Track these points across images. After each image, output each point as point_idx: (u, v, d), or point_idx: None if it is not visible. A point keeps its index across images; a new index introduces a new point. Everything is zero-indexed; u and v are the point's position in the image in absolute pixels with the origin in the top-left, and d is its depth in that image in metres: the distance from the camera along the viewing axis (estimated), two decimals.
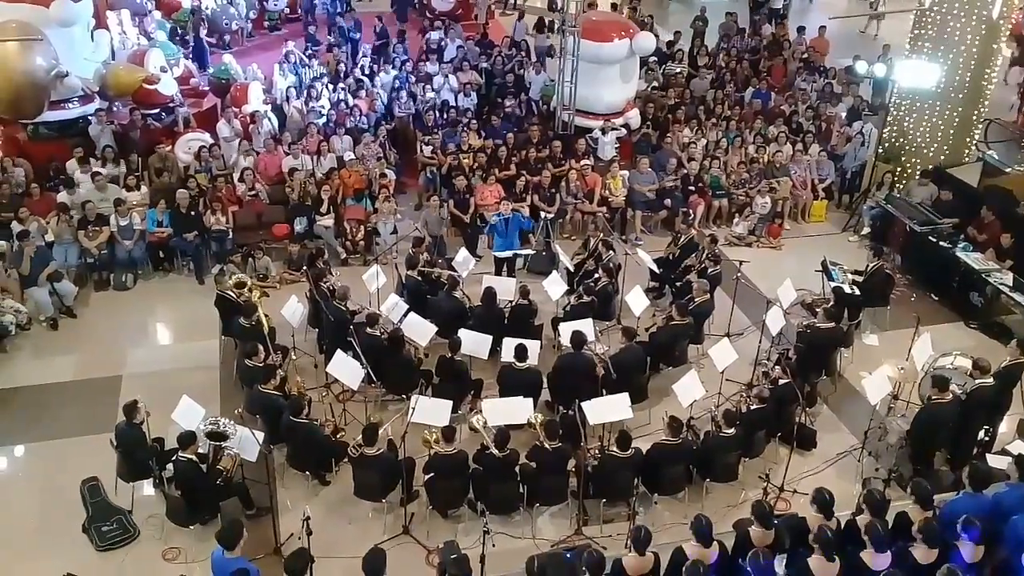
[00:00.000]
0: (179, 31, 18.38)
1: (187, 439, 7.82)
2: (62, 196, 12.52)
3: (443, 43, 18.46)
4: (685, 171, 14.09)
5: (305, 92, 15.73)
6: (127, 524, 8.04)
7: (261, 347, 9.27)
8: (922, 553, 6.54)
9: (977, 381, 8.79)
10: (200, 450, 7.96)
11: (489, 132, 14.95)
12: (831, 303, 10.48)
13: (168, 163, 13.51)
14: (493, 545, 7.07)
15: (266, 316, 9.99)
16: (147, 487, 8.41)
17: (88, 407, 9.56)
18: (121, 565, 7.72)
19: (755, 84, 17.48)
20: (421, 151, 14.56)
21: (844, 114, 15.87)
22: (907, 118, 14.29)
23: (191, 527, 7.99)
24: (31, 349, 10.70)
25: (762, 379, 9.44)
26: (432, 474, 8.15)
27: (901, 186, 13.98)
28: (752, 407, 8.82)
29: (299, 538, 7.05)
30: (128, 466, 8.16)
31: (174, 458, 7.90)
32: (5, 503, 8.37)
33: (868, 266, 11.38)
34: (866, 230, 13.76)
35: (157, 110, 14.80)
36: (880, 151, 14.77)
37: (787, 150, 14.60)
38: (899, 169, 14.29)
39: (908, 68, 13.74)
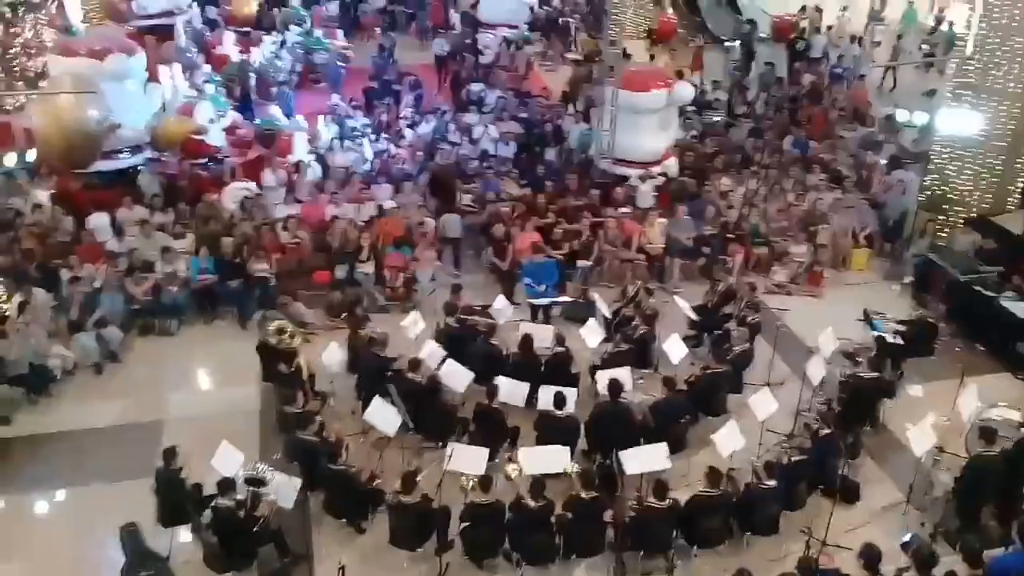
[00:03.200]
0: (228, 84, 18.90)
1: (226, 485, 7.89)
2: (111, 243, 12.86)
3: (483, 93, 18.77)
4: (724, 219, 14.07)
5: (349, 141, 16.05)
6: (165, 571, 8.06)
7: (300, 393, 9.36)
8: None
9: None
10: (238, 496, 8.02)
11: (529, 181, 15.09)
12: (873, 352, 10.32)
13: (215, 212, 13.83)
14: None
15: (307, 362, 10.09)
16: (185, 533, 8.47)
17: (130, 452, 9.68)
18: None
19: (794, 132, 17.47)
20: (460, 200, 14.72)
21: (884, 162, 15.77)
22: (948, 166, 14.15)
23: (227, 574, 8.01)
24: (75, 394, 10.90)
25: (804, 429, 9.28)
26: (468, 523, 8.11)
27: (944, 235, 13.80)
28: (793, 459, 8.68)
29: None
30: (167, 511, 8.24)
31: (212, 504, 7.96)
32: (45, 547, 8.48)
33: (911, 315, 11.21)
34: (909, 279, 13.57)
35: (205, 160, 15.18)
36: (922, 199, 14.62)
37: (828, 197, 14.52)
38: (941, 217, 14.12)
39: (950, 116, 13.65)
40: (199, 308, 12.62)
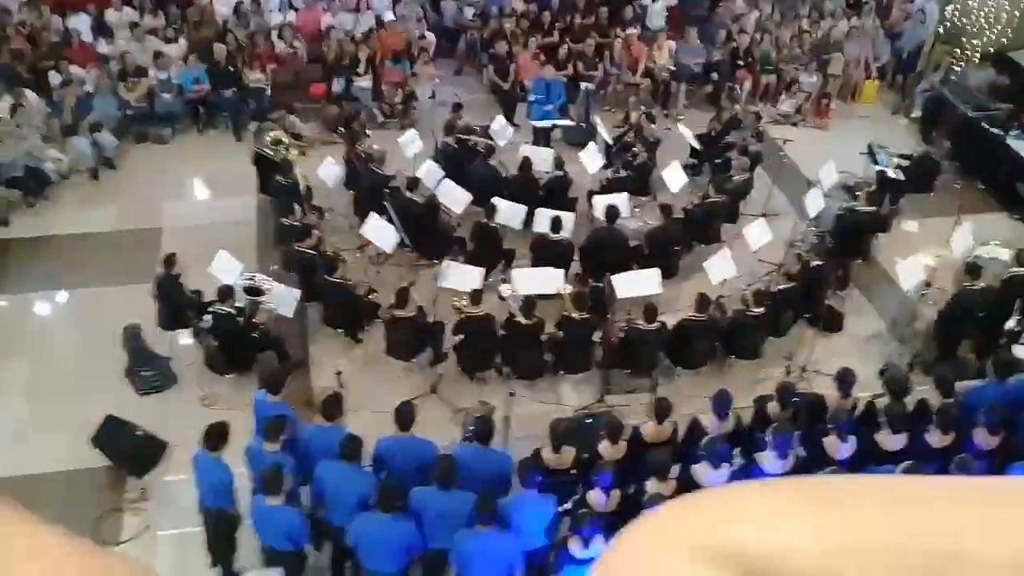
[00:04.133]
0: None
1: (225, 292, 8.04)
2: (101, 46, 12.46)
3: None
4: (734, 44, 13.61)
5: None
6: (167, 370, 8.37)
7: (297, 206, 9.37)
8: (937, 438, 6.63)
9: (1012, 270, 8.68)
10: (238, 304, 8.20)
11: None
12: (873, 187, 10.28)
13: (206, 16, 13.32)
14: (511, 393, 7.25)
15: (303, 176, 10.04)
16: (185, 337, 8.71)
17: (128, 257, 9.79)
18: (161, 409, 8.07)
19: None
20: (463, 13, 14.17)
21: None
22: None
23: (228, 376, 8.32)
24: (72, 198, 10.91)
25: (795, 260, 9.39)
26: (461, 336, 8.33)
27: (958, 69, 13.41)
28: (780, 286, 8.81)
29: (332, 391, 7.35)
30: (167, 315, 8.43)
31: (212, 309, 8.14)
32: (48, 346, 8.74)
33: (916, 151, 11.08)
34: (917, 113, 13.31)
35: None
36: (940, 31, 14.09)
37: (843, 25, 14.00)
38: (958, 51, 13.67)
39: None
40: (193, 117, 12.41)
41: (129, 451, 7.35)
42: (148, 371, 8.28)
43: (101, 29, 12.85)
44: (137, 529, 6.94)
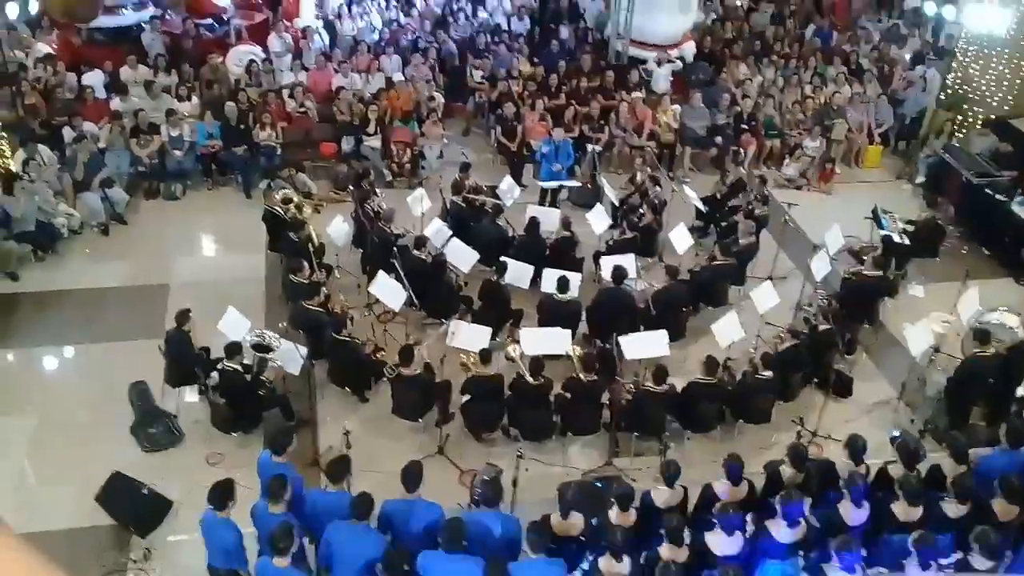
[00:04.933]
0: None
1: (233, 349, 8.02)
2: (115, 103, 12.66)
3: None
4: (738, 108, 13.81)
5: (358, 8, 15.57)
6: (173, 428, 8.29)
7: (306, 264, 9.40)
8: (953, 508, 6.54)
9: (1022, 337, 8.66)
10: (245, 361, 8.17)
11: (541, 59, 14.72)
12: (879, 251, 10.32)
13: (219, 75, 13.54)
14: (527, 469, 7.21)
15: (316, 234, 10.11)
16: (192, 394, 8.67)
17: (136, 313, 9.82)
18: (166, 466, 7.99)
19: (817, 21, 16.95)
20: (471, 75, 14.41)
21: (908, 56, 15.37)
22: (973, 64, 13.79)
23: (234, 434, 8.26)
24: (83, 253, 10.97)
25: (802, 324, 9.39)
26: (468, 396, 8.29)
27: (961, 135, 13.59)
28: (786, 345, 8.78)
29: (338, 451, 7.28)
30: (175, 372, 8.41)
31: (219, 367, 8.11)
32: (56, 401, 8.67)
33: (920, 216, 11.15)
34: (921, 179, 13.44)
35: (210, 20, 14.77)
36: (942, 97, 14.31)
37: (845, 91, 14.23)
38: (960, 118, 13.86)
39: (978, 11, 13.20)
40: (204, 174, 12.54)
41: (134, 509, 7.26)
42: (154, 428, 8.21)
43: (115, 86, 13.06)
44: None
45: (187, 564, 6.81)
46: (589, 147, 12.94)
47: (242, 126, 12.37)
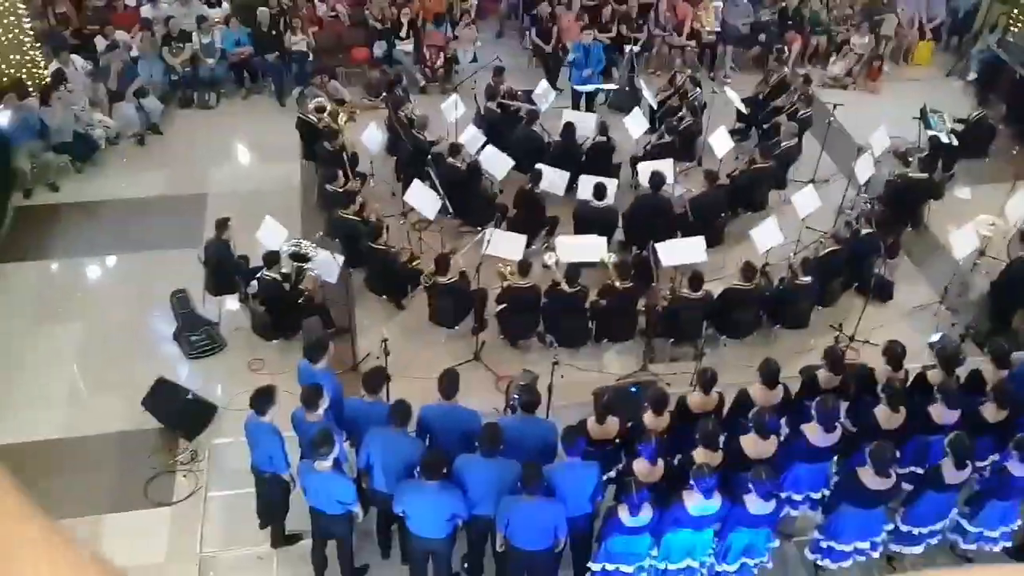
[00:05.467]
0: None
1: (272, 258, 8.10)
2: (145, 10, 12.52)
3: None
4: (783, 3, 13.26)
5: None
6: (214, 335, 8.46)
7: (341, 172, 9.37)
8: (992, 412, 6.50)
9: None
10: (284, 269, 8.26)
11: None
12: (926, 152, 10.02)
13: None
14: (562, 376, 7.27)
15: (350, 142, 10.04)
16: (232, 302, 8.81)
17: (175, 222, 9.92)
18: (209, 372, 8.20)
19: None
20: None
21: None
22: None
23: (274, 341, 8.41)
24: (120, 164, 11.04)
25: (844, 228, 9.21)
26: (504, 305, 8.32)
27: (1016, 30, 12.95)
28: (827, 251, 8.63)
29: (376, 357, 7.41)
30: (215, 280, 8.53)
31: (259, 275, 8.20)
32: (99, 310, 8.87)
33: (971, 115, 10.76)
34: (973, 76, 12.91)
35: None
36: None
37: None
38: (1016, 11, 13.18)
39: None
40: (237, 82, 12.45)
41: (180, 413, 7.49)
42: (196, 335, 8.38)
43: None
44: (188, 490, 7.07)
45: (233, 466, 7.04)
46: (627, 48, 12.56)
47: (273, 32, 12.19)
